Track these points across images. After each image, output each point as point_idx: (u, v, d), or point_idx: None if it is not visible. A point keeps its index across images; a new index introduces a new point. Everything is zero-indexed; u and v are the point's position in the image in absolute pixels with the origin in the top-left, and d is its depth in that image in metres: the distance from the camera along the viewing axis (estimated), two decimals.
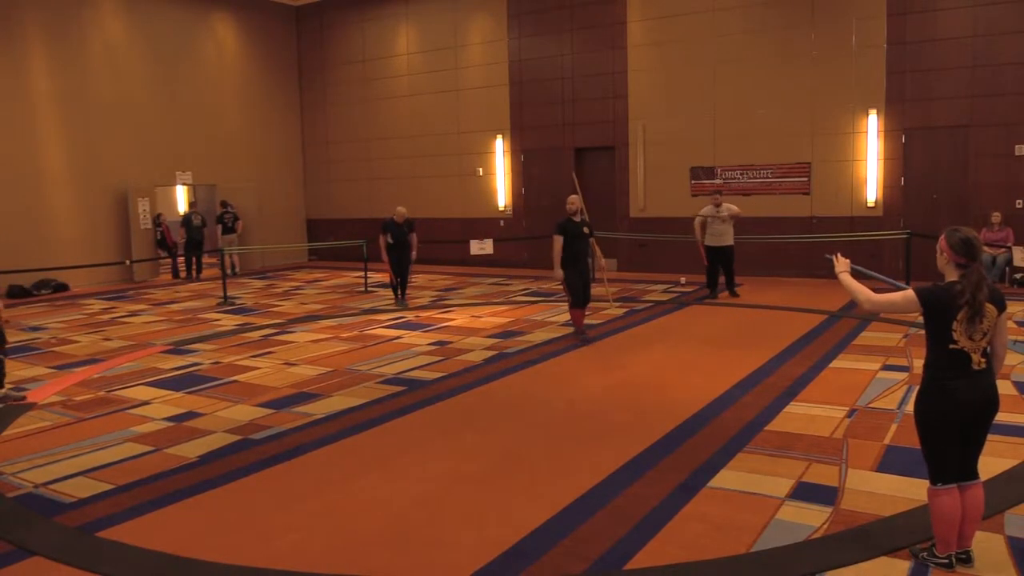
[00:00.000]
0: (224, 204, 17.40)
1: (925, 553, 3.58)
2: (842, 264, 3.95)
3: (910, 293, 3.43)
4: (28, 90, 14.94)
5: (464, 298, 12.72)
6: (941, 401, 3.40)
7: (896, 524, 3.97)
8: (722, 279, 11.86)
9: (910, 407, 5.96)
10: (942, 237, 3.45)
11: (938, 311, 3.37)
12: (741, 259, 12.55)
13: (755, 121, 14.11)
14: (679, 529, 4.02)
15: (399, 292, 12.08)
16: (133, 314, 11.95)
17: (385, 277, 12.94)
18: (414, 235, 11.90)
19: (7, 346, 6.99)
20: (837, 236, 13.10)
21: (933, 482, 3.48)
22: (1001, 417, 4.86)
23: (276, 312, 11.78)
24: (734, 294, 11.77)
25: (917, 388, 3.53)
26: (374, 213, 17.85)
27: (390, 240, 11.65)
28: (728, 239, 11.53)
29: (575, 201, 8.92)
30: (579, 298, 8.89)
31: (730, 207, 11.56)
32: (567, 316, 10.59)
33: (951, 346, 3.35)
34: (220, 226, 17.20)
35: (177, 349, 9.09)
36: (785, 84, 13.81)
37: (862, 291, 3.60)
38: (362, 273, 14.73)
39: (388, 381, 7.31)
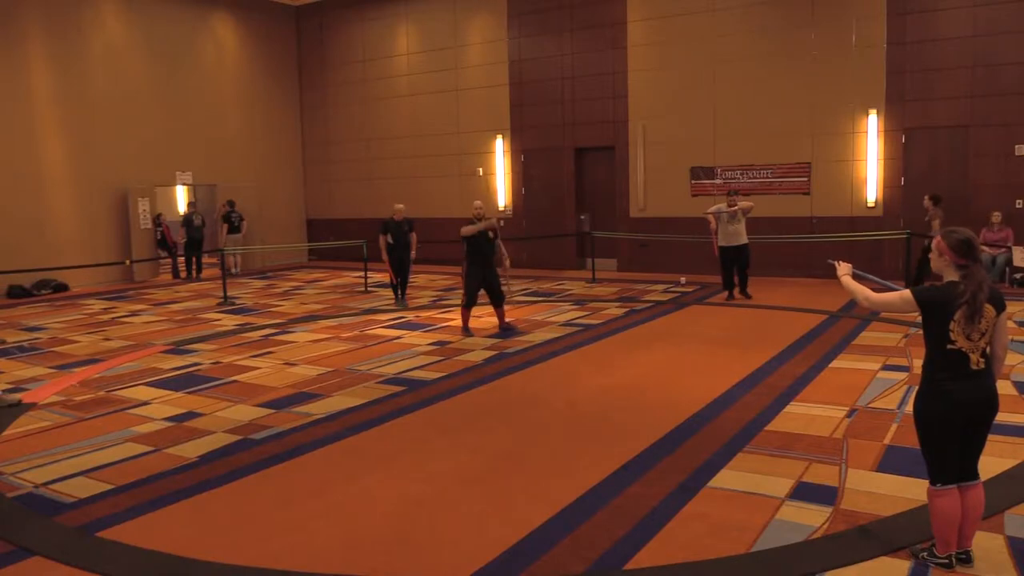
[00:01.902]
0: (230, 204, 17.42)
1: (925, 553, 3.58)
2: (844, 268, 4.01)
3: (906, 293, 3.44)
4: (28, 90, 14.94)
5: None
6: (939, 402, 3.40)
7: (896, 524, 3.97)
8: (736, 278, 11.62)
9: (910, 407, 5.95)
10: (939, 238, 3.44)
11: (935, 311, 3.37)
12: None
13: (755, 121, 14.12)
14: (679, 529, 4.02)
15: (399, 292, 12.09)
16: (133, 314, 11.95)
17: (385, 277, 12.94)
18: (414, 235, 11.91)
19: (3, 346, 6.97)
20: (837, 236, 13.12)
21: (933, 482, 3.48)
22: (1001, 417, 4.87)
23: (276, 312, 11.78)
24: (746, 295, 11.52)
25: (916, 389, 3.54)
26: (374, 213, 17.85)
27: (390, 240, 11.65)
28: (743, 238, 11.30)
29: (480, 207, 9.48)
30: (471, 299, 9.34)
31: (742, 204, 11.30)
32: (567, 316, 10.62)
33: (949, 346, 3.35)
34: (227, 226, 17.22)
35: (177, 349, 9.09)
36: (785, 84, 13.82)
37: (861, 291, 3.65)
38: (362, 273, 14.74)
39: (388, 381, 7.31)
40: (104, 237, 16.04)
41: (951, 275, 3.41)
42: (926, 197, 11.78)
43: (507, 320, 9.70)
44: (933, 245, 3.48)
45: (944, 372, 3.38)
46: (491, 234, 9.21)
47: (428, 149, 18.04)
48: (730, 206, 11.28)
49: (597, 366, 7.73)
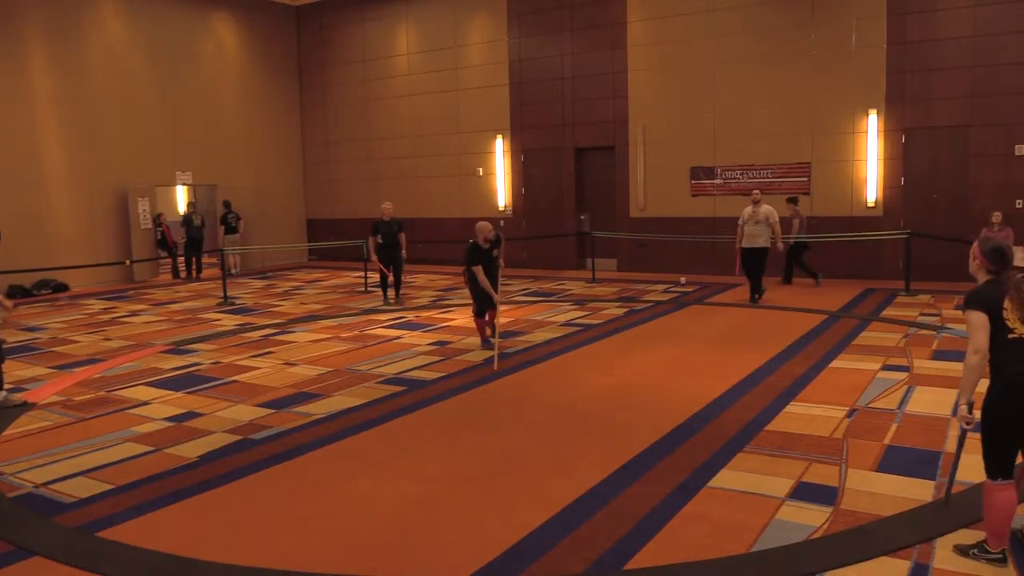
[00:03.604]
0: (226, 204, 17.43)
1: (976, 550, 3.59)
2: (965, 418, 3.57)
3: (970, 316, 3.47)
4: (28, 90, 14.94)
5: (464, 298, 12.68)
6: (1005, 399, 3.43)
7: (896, 524, 3.98)
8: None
9: (910, 407, 5.98)
10: (976, 245, 3.59)
11: (990, 307, 3.45)
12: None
13: (755, 121, 14.11)
14: (679, 529, 4.02)
15: (386, 291, 12.12)
16: (133, 314, 11.95)
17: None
18: (403, 235, 11.91)
19: (5, 346, 6.96)
20: (837, 236, 13.12)
21: (992, 477, 3.50)
22: None
23: (276, 312, 11.78)
24: (753, 300, 11.29)
25: (987, 385, 3.53)
26: (374, 213, 17.74)
27: (379, 240, 11.69)
28: (762, 240, 11.14)
29: (485, 229, 8.48)
30: (482, 307, 8.61)
31: (769, 214, 11.12)
32: (568, 316, 10.62)
33: (1010, 335, 3.42)
34: (223, 226, 17.23)
35: (177, 349, 9.09)
36: (785, 84, 13.81)
37: (967, 365, 3.46)
38: (362, 273, 14.73)
39: (388, 381, 7.31)
40: (104, 237, 16.04)
41: (984, 279, 3.57)
42: (787, 199, 13.04)
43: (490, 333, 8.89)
44: (972, 251, 3.61)
45: (1012, 365, 3.41)
46: (495, 252, 8.60)
47: (428, 149, 18.04)
48: (755, 202, 11.23)
49: (597, 366, 7.73)
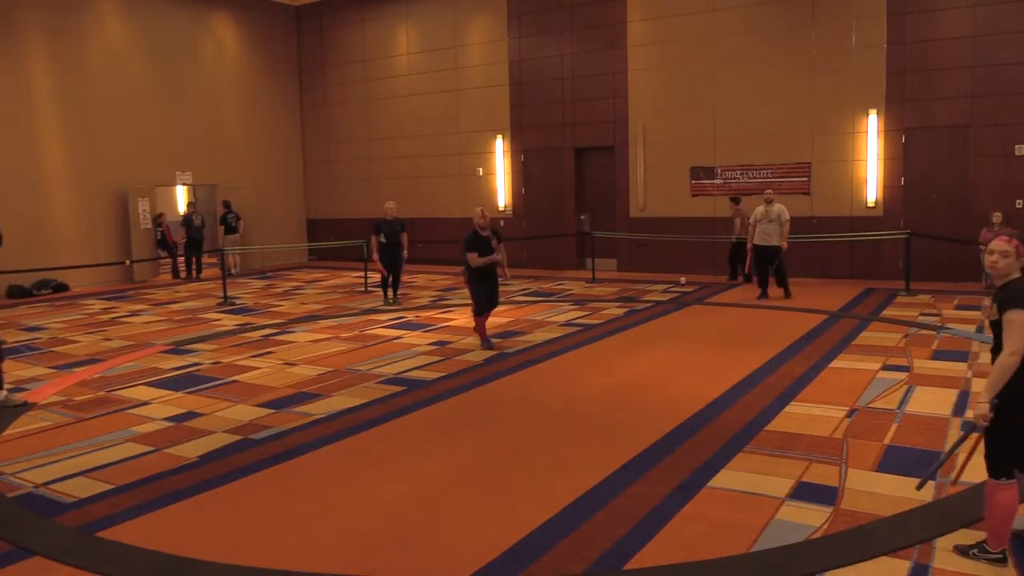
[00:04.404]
0: (226, 204, 17.43)
1: (976, 550, 3.58)
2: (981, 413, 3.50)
3: (1012, 316, 3.35)
4: (28, 90, 14.94)
5: (464, 298, 12.68)
6: None
7: (896, 524, 3.98)
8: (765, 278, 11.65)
9: (910, 407, 5.97)
10: (1017, 242, 3.45)
11: None
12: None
13: (755, 121, 14.11)
14: (679, 529, 4.02)
15: (388, 291, 12.14)
16: (133, 314, 11.95)
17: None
18: (405, 235, 11.93)
19: (5, 346, 6.96)
20: (837, 236, 13.12)
21: (996, 477, 3.47)
22: None
23: (276, 312, 11.78)
24: (787, 294, 11.43)
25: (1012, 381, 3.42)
26: (374, 213, 17.82)
27: (383, 239, 11.70)
28: (774, 239, 11.33)
29: (478, 215, 8.62)
30: (482, 307, 8.65)
31: (781, 213, 11.34)
32: (568, 316, 10.62)
33: None
34: (223, 226, 17.24)
35: (177, 349, 9.09)
36: (785, 84, 13.81)
37: (1004, 365, 3.37)
38: (362, 273, 14.73)
39: (388, 381, 7.31)
40: (104, 237, 16.04)
41: (1016, 274, 3.48)
42: (730, 199, 13.66)
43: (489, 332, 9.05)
44: (1012, 248, 3.48)
45: None
46: (493, 242, 8.61)
47: (428, 149, 18.04)
48: (768, 202, 11.43)
49: (597, 366, 7.72)
